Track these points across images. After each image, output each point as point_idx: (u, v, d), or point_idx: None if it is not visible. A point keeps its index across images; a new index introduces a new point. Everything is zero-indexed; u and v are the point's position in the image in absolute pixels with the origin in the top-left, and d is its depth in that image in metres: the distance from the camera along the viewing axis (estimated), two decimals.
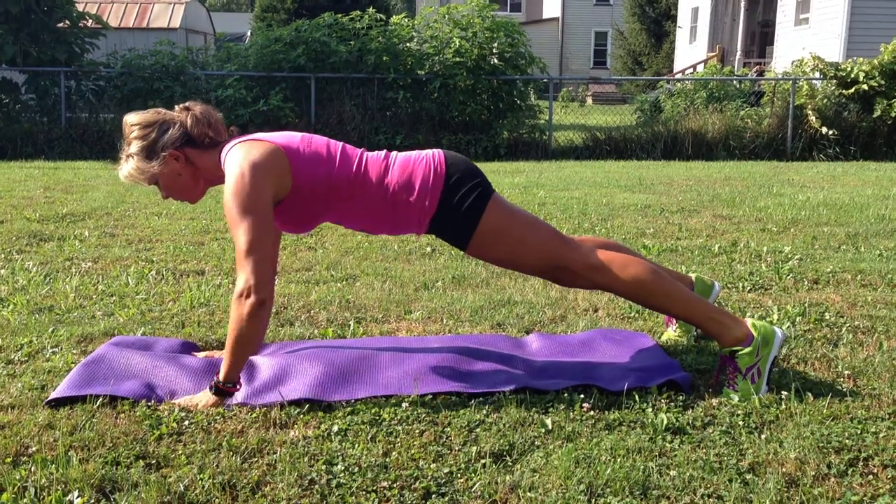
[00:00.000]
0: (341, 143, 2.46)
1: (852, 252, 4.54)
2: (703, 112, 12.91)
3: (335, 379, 2.40)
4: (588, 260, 2.39)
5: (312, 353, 2.58)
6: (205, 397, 2.28)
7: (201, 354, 2.65)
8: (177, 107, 2.47)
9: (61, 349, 2.74)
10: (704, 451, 1.93)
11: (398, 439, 2.00)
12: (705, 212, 6.16)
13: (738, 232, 5.26)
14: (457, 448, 1.95)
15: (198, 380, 2.43)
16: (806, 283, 3.76)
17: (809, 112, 12.03)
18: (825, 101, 12.06)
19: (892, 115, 11.66)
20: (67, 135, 12.02)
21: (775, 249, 4.57)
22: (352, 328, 2.99)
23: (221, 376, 2.27)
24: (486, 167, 10.29)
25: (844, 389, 2.35)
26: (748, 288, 3.67)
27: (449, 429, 2.06)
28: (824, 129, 11.89)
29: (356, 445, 1.97)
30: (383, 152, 2.47)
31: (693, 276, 2.84)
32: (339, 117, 12.17)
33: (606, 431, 2.04)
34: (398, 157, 2.43)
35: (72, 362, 2.58)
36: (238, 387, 2.30)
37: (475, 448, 1.93)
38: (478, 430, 2.05)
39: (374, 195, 2.39)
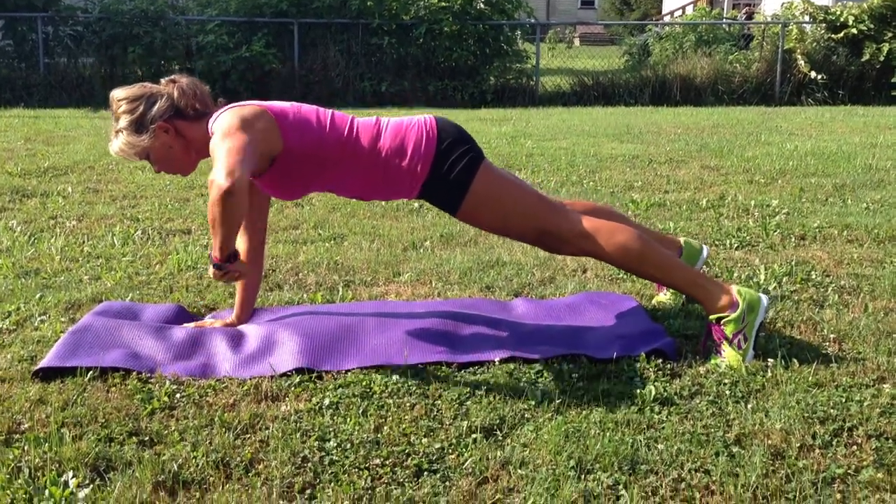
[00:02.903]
0: (331, 111, 2.43)
1: (839, 205, 4.56)
2: (691, 56, 12.81)
3: (324, 347, 2.41)
4: (576, 227, 2.39)
5: (300, 321, 2.58)
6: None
7: (189, 326, 2.64)
8: (162, 80, 2.44)
9: (49, 317, 2.73)
10: (692, 422, 1.96)
11: (389, 413, 2.02)
12: (693, 162, 6.15)
13: (725, 184, 5.26)
14: (448, 422, 1.97)
15: (180, 352, 2.42)
16: (793, 239, 3.78)
17: (798, 56, 11.96)
18: (814, 45, 11.98)
19: (881, 59, 11.61)
20: (46, 81, 11.83)
21: (763, 203, 4.58)
22: (340, 293, 2.99)
23: (215, 254, 2.20)
24: (472, 115, 10.21)
25: (830, 354, 2.37)
26: (735, 245, 3.68)
27: (440, 402, 2.07)
28: (813, 74, 11.84)
29: (348, 420, 1.98)
30: (374, 118, 2.44)
31: (681, 239, 2.85)
32: (324, 63, 12.01)
33: (595, 403, 2.06)
34: (390, 122, 2.41)
35: (60, 331, 2.58)
36: (237, 257, 2.24)
37: (466, 423, 1.95)
38: (468, 402, 2.06)
39: (365, 160, 2.37)
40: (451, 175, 2.36)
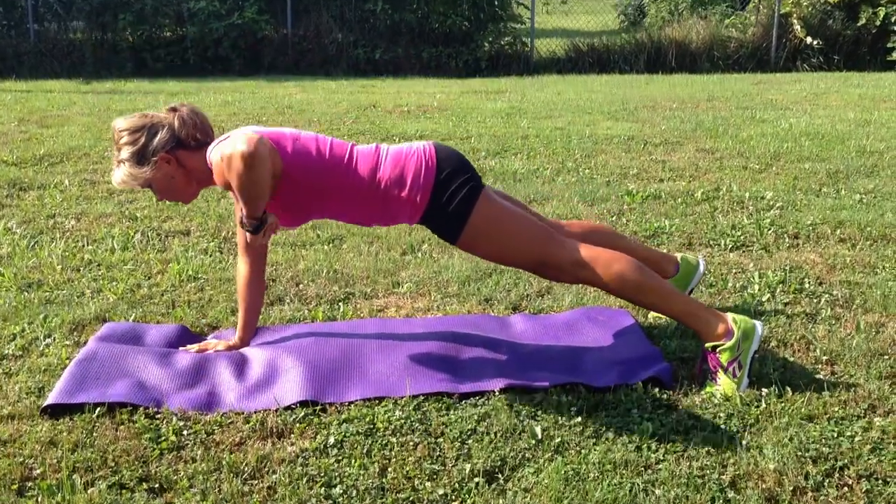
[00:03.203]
0: (330, 138, 2.45)
1: (832, 197, 4.59)
2: (687, 19, 12.71)
3: (326, 376, 2.45)
4: (574, 256, 2.42)
5: (302, 346, 2.63)
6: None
7: (193, 348, 2.68)
8: (163, 108, 2.45)
9: (54, 340, 2.77)
10: (688, 462, 2.01)
11: (393, 454, 2.07)
12: (688, 144, 6.16)
13: (720, 171, 5.27)
14: (450, 464, 2.02)
15: (185, 382, 2.46)
16: (787, 238, 3.82)
17: (794, 21, 11.88)
18: (811, 9, 11.89)
19: (877, 23, 11.54)
20: (37, 49, 11.72)
21: (757, 195, 4.61)
22: (341, 309, 3.03)
23: (248, 218, 2.29)
24: (467, 86, 10.15)
25: (822, 380, 2.43)
26: (730, 246, 3.72)
27: (442, 440, 2.12)
28: (809, 39, 11.77)
29: (353, 461, 2.03)
30: (374, 145, 2.47)
31: (678, 255, 2.89)
32: (317, 30, 11.90)
33: (594, 440, 2.12)
34: (389, 151, 2.43)
35: (66, 358, 2.61)
36: (265, 215, 2.31)
37: (468, 465, 2.00)
38: (470, 441, 2.11)
39: (365, 190, 2.40)
40: (450, 206, 2.39)
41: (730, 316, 2.41)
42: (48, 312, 2.99)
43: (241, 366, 2.56)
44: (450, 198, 2.39)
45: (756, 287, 3.17)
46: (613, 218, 4.21)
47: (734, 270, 3.40)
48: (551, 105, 8.36)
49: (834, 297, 3.09)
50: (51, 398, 2.31)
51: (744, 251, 3.67)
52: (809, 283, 3.23)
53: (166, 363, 2.56)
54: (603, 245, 2.77)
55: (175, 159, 2.40)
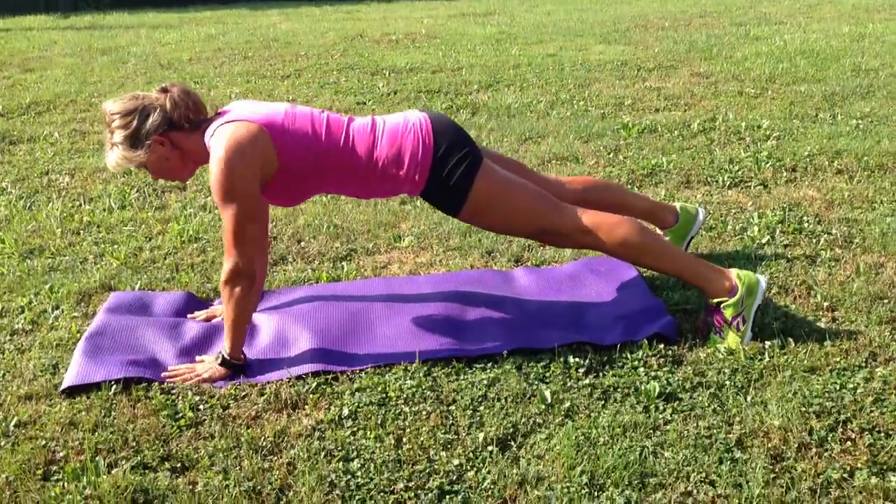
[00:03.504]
0: (325, 114, 2.42)
1: (829, 123, 4.58)
2: None
3: (335, 342, 2.49)
4: (577, 223, 2.42)
5: (309, 312, 2.65)
6: (214, 368, 2.37)
7: (201, 315, 2.70)
8: (154, 90, 2.41)
9: (63, 311, 2.79)
10: (695, 423, 2.06)
11: (407, 423, 2.11)
12: (682, 69, 6.09)
13: (716, 98, 5.24)
14: (463, 433, 2.07)
15: (198, 353, 2.50)
16: (784, 172, 3.82)
17: None
18: None
19: None
20: None
21: (753, 124, 4.59)
22: (345, 269, 3.04)
23: (227, 350, 2.35)
24: (454, 7, 9.95)
25: (824, 329, 2.47)
26: (728, 183, 3.73)
27: (454, 408, 2.17)
28: None
29: (368, 433, 2.08)
30: (369, 120, 2.44)
31: (678, 205, 2.89)
32: None
33: (602, 402, 2.16)
34: (386, 127, 2.40)
35: (77, 331, 2.64)
36: (243, 358, 2.39)
37: (481, 434, 2.05)
38: (482, 408, 2.16)
39: (363, 169, 2.39)
40: (449, 181, 2.38)
41: (734, 272, 2.43)
42: (53, 282, 3.00)
43: (249, 335, 2.58)
44: (449, 173, 2.38)
45: (756, 229, 3.19)
46: (610, 155, 4.20)
47: (733, 210, 3.41)
48: (541, 28, 8.22)
49: (833, 236, 3.11)
50: (67, 379, 2.34)
51: (742, 188, 3.68)
52: (808, 221, 3.25)
53: (177, 334, 2.58)
54: (602, 200, 2.78)
55: (169, 141, 2.37)
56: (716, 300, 2.41)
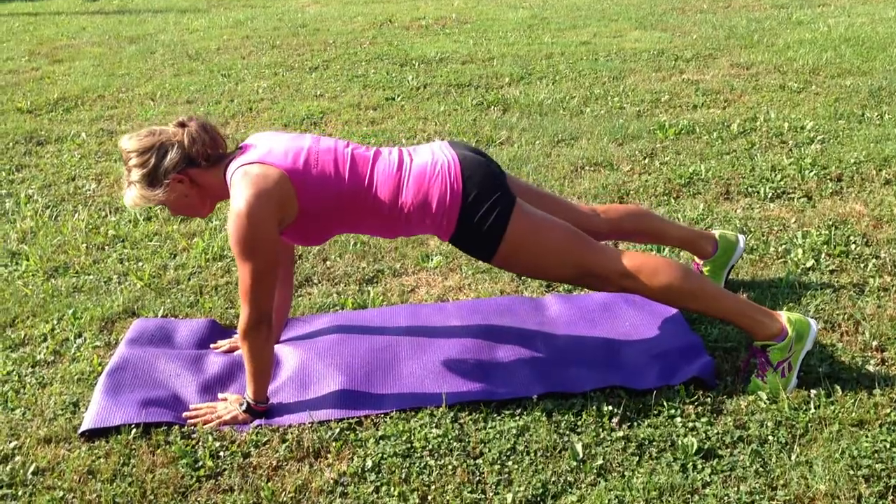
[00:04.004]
0: (350, 149, 2.32)
1: (876, 123, 4.39)
2: None
3: (360, 381, 2.41)
4: (617, 266, 2.30)
5: (333, 347, 2.58)
6: (236, 411, 2.31)
7: (223, 345, 2.64)
8: (170, 124, 2.32)
9: (85, 340, 2.74)
10: (736, 486, 1.96)
11: (432, 479, 2.03)
12: (722, 58, 5.90)
13: (756, 92, 5.05)
14: (491, 492, 1.99)
15: (221, 386, 2.45)
16: (829, 183, 3.66)
17: None
18: None
19: None
20: None
21: (796, 125, 4.41)
22: (371, 294, 2.96)
23: (251, 396, 2.29)
24: None
25: (872, 372, 2.35)
26: (769, 195, 3.58)
27: (481, 462, 2.08)
28: None
29: (392, 489, 2.01)
30: (395, 159, 2.32)
31: (717, 233, 2.77)
32: None
33: (637, 458, 2.07)
34: (413, 170, 2.28)
35: (98, 364, 2.59)
36: (267, 402, 2.33)
37: (510, 494, 1.96)
38: (510, 463, 2.07)
39: (387, 213, 2.30)
40: (481, 228, 2.27)
41: (784, 315, 2.30)
42: (77, 305, 2.95)
43: (273, 369, 2.52)
44: (479, 220, 2.26)
45: (800, 251, 3.05)
46: (646, 160, 4.06)
47: (775, 228, 3.27)
48: (575, 11, 8.02)
49: (881, 260, 2.97)
50: (87, 422, 2.29)
51: (785, 200, 3.53)
52: (856, 242, 3.10)
53: (199, 368, 2.53)
54: (639, 229, 2.67)
55: (188, 178, 2.29)
56: (762, 343, 2.29)
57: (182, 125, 2.30)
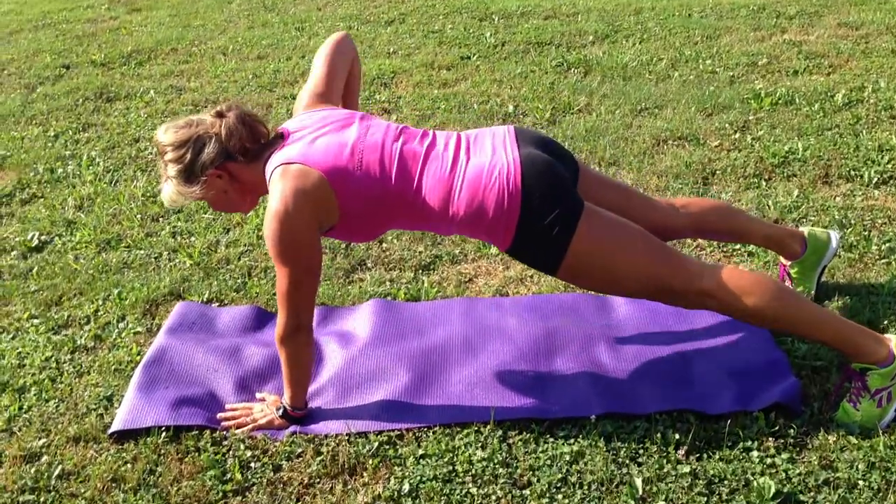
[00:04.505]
0: (399, 147, 2.09)
1: None
2: None
3: (404, 390, 2.24)
4: (699, 285, 2.03)
5: (379, 346, 2.41)
6: (272, 415, 2.17)
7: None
8: (208, 114, 2.14)
9: (127, 325, 2.64)
10: None
11: None
12: (828, 16, 5.41)
13: (865, 57, 4.59)
14: None
15: (259, 382, 2.33)
16: None
17: None
18: None
19: None
20: None
21: None
22: (425, 283, 2.77)
23: (288, 401, 2.15)
24: None
25: None
26: (875, 179, 3.22)
27: (528, 493, 1.89)
28: None
29: None
30: (450, 158, 2.07)
31: (805, 230, 2.46)
32: None
33: (705, 499, 1.84)
34: (467, 174, 2.03)
35: (137, 354, 2.48)
36: (305, 407, 2.18)
37: None
38: (560, 496, 1.87)
39: (436, 219, 2.09)
40: (542, 240, 2.02)
41: (893, 339, 2.02)
42: (123, 284, 2.86)
43: (314, 366, 2.37)
44: (541, 232, 2.01)
45: None
46: (736, 135, 3.72)
47: (879, 220, 2.93)
48: None
49: None
50: (117, 422, 2.18)
51: (891, 187, 3.17)
52: None
53: (237, 362, 2.40)
54: (720, 226, 2.39)
55: (227, 173, 2.12)
56: (862, 365, 2.01)
57: (220, 115, 2.13)
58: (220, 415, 2.21)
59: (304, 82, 2.17)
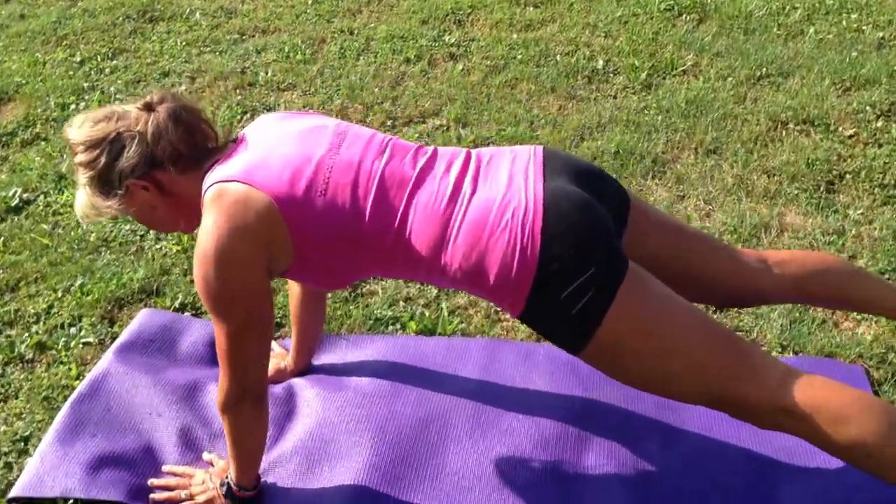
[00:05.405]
0: (381, 167, 1.50)
1: None
2: None
3: (386, 472, 1.73)
4: (778, 400, 1.39)
5: (367, 401, 1.88)
6: (212, 492, 1.68)
7: None
8: (134, 105, 1.58)
9: (80, 331, 2.18)
10: None
11: None
12: None
13: None
14: None
15: (209, 440, 1.83)
16: None
17: None
18: None
19: None
20: None
21: None
22: (443, 311, 2.19)
23: (233, 479, 1.65)
24: None
25: None
26: None
27: None
28: None
29: None
30: (449, 186, 1.48)
31: None
32: None
33: None
34: (468, 212, 1.44)
35: (76, 377, 2.02)
36: (256, 488, 1.67)
37: None
38: None
39: (426, 271, 1.51)
40: (563, 313, 1.41)
41: None
42: (92, 271, 2.39)
43: (283, 421, 1.86)
44: (562, 303, 1.40)
45: None
46: (879, 122, 2.94)
47: None
48: None
49: None
50: (19, 485, 1.74)
51: None
52: None
53: (188, 406, 1.90)
54: (829, 293, 1.74)
55: (153, 185, 1.57)
56: None
57: (148, 108, 1.56)
58: (152, 488, 1.73)
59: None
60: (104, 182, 1.55)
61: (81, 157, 1.56)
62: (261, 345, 1.55)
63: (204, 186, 1.53)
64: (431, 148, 1.58)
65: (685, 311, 1.44)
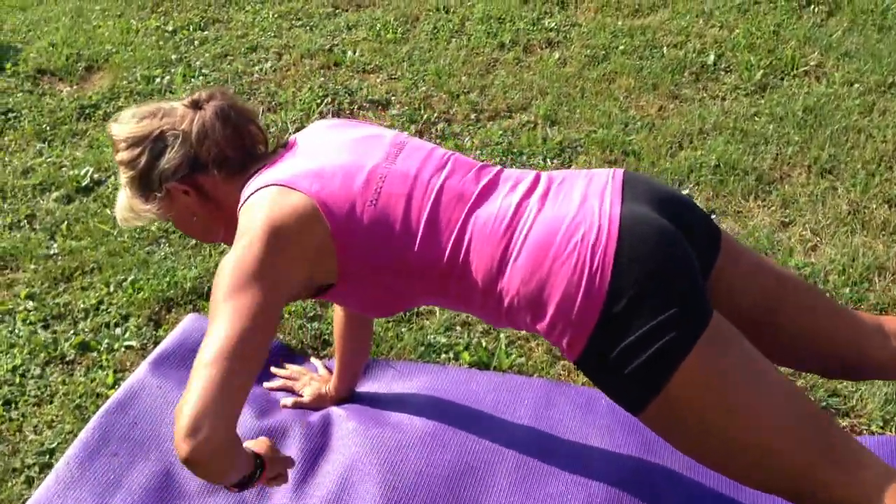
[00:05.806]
0: (441, 178, 1.35)
1: None
2: None
3: None
4: (865, 496, 1.18)
5: (411, 446, 1.73)
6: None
7: (289, 401, 1.88)
8: (180, 102, 1.45)
9: (125, 331, 2.11)
10: None
11: None
12: None
13: None
14: None
15: None
16: None
17: None
18: None
19: None
20: None
21: None
22: (502, 344, 2.00)
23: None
24: None
25: None
26: None
27: None
28: None
29: None
30: (515, 199, 1.31)
31: None
32: None
33: None
34: (533, 230, 1.27)
35: (113, 385, 1.94)
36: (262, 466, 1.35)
37: None
38: None
39: (476, 304, 1.35)
40: (627, 362, 1.22)
41: None
42: (148, 265, 2.31)
43: (316, 456, 1.74)
44: (626, 349, 1.21)
45: None
46: None
47: None
48: None
49: None
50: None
51: None
52: None
53: None
54: None
55: (195, 190, 1.44)
56: None
57: (195, 106, 1.44)
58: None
59: None
60: (144, 183, 1.44)
61: (123, 155, 1.45)
62: (251, 366, 1.23)
63: (245, 193, 1.38)
64: (497, 167, 1.41)
65: (775, 380, 1.22)
